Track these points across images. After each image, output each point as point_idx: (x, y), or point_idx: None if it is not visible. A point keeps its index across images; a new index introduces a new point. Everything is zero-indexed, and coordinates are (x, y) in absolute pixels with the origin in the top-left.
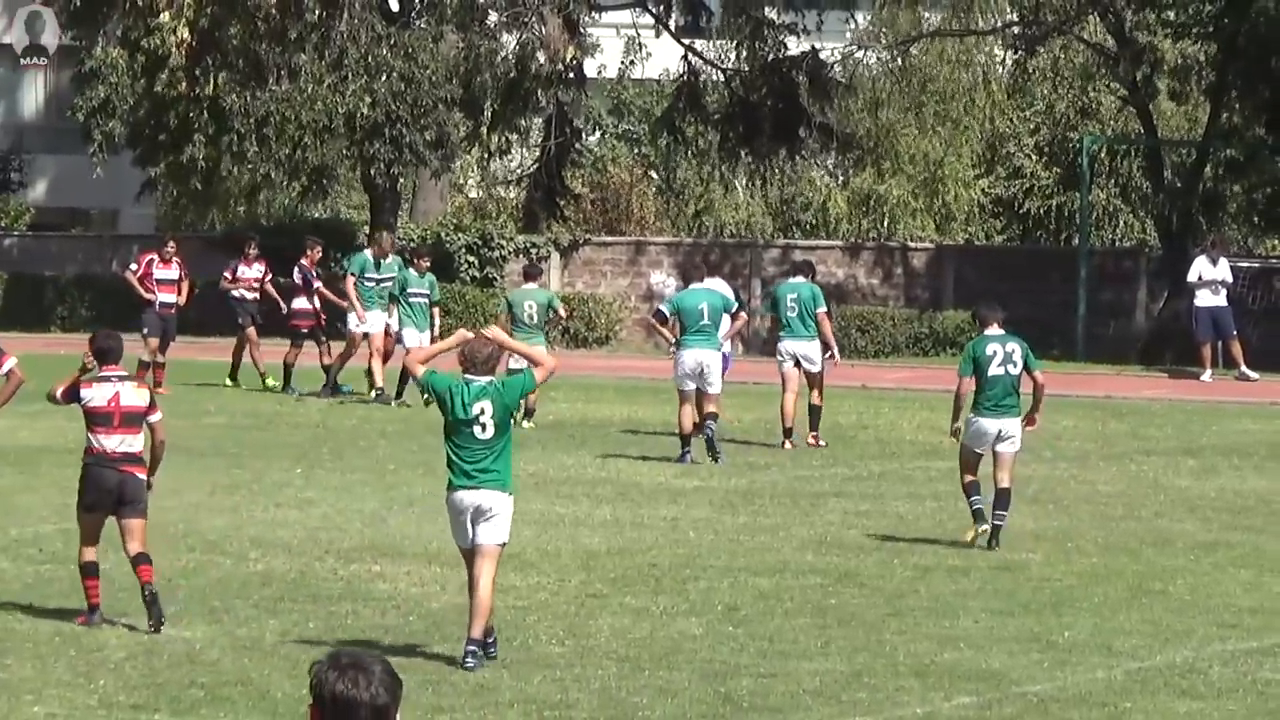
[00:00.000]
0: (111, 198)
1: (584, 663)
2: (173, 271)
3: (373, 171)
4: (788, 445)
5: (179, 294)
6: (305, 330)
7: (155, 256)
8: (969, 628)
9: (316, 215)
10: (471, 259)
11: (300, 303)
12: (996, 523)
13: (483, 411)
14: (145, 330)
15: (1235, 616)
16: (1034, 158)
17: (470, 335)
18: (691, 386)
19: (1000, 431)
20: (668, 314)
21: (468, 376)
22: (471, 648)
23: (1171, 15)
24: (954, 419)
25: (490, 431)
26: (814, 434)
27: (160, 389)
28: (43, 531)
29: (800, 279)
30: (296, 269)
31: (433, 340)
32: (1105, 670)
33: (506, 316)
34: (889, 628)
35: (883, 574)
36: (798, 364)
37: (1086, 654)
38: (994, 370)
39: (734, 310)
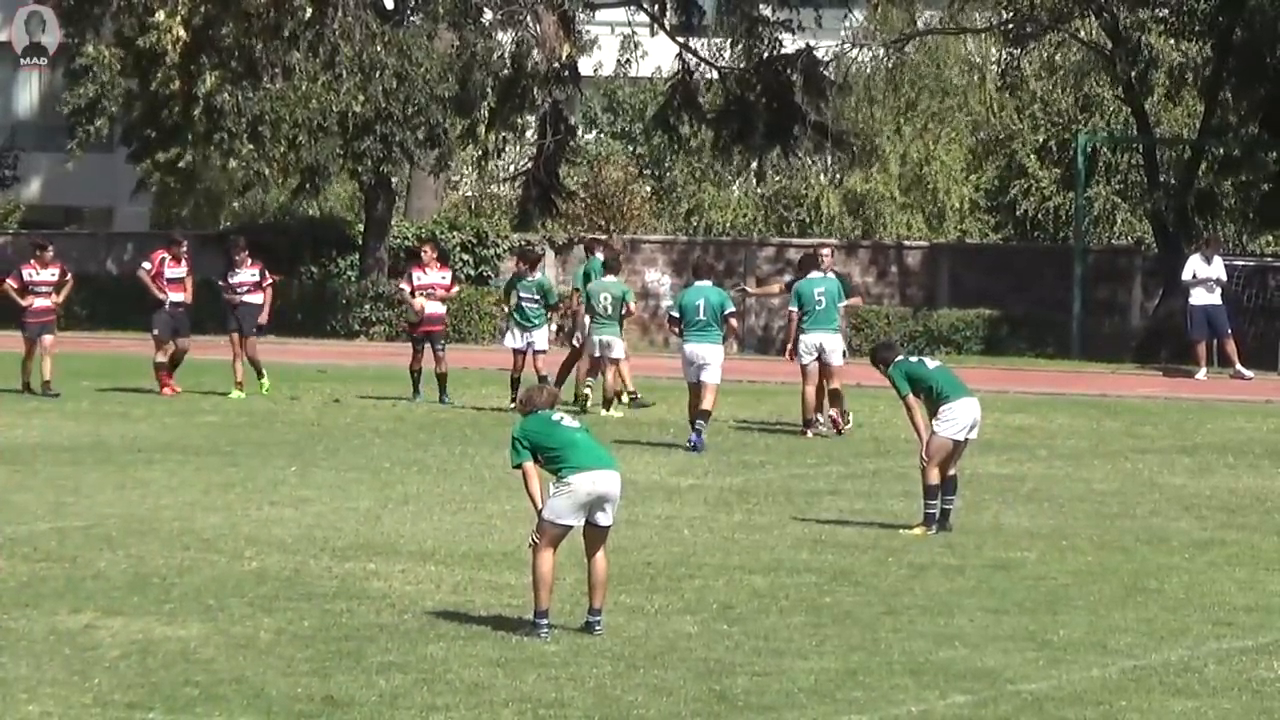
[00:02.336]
0: (106, 195)
1: (579, 661)
2: (180, 270)
3: (360, 169)
4: (809, 434)
5: (185, 291)
6: (420, 335)
7: (166, 255)
8: (964, 626)
9: (312, 213)
10: (466, 257)
11: (433, 307)
12: (948, 508)
13: (561, 417)
14: (155, 331)
15: (1230, 615)
16: (1032, 156)
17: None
18: (694, 377)
19: (974, 420)
20: (677, 315)
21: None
22: (596, 617)
23: (1166, 13)
24: (919, 436)
25: (575, 421)
26: (839, 412)
27: (165, 390)
28: (37, 530)
29: (818, 274)
30: (410, 275)
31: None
32: (1100, 668)
33: (584, 307)
34: (884, 626)
35: (878, 572)
36: (820, 356)
37: (1081, 652)
38: (933, 365)
39: (729, 312)
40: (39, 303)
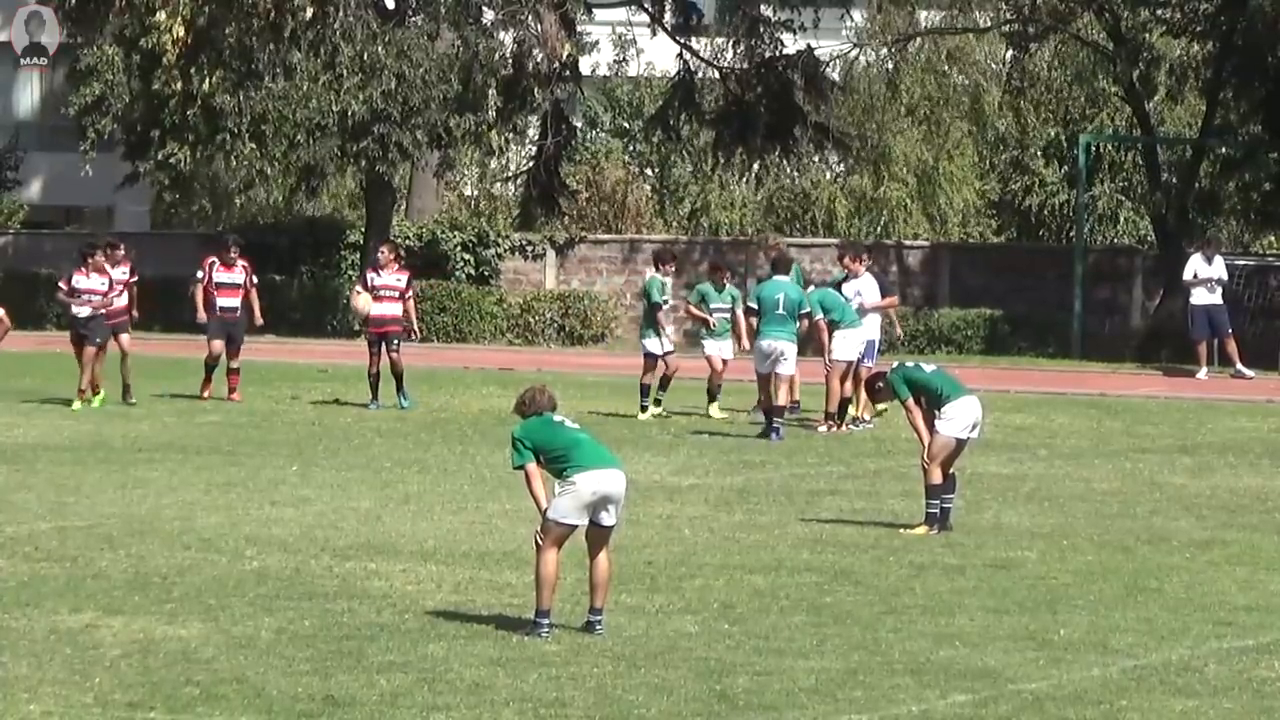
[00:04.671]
0: (106, 195)
1: (580, 660)
2: (235, 275)
3: (356, 169)
4: (844, 428)
5: (240, 296)
6: (374, 336)
7: (216, 260)
8: (964, 625)
9: (312, 213)
10: (467, 257)
11: (384, 309)
12: (947, 506)
13: (563, 419)
14: (208, 335)
15: (1231, 614)
16: (1039, 155)
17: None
18: (769, 369)
19: (976, 419)
20: (754, 307)
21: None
22: (598, 616)
23: (1168, 13)
24: (921, 440)
25: (577, 424)
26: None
27: (234, 395)
28: (38, 529)
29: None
30: (365, 275)
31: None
32: (1101, 668)
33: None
34: (884, 625)
35: (878, 572)
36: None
37: (1082, 652)
38: (930, 369)
39: (805, 311)
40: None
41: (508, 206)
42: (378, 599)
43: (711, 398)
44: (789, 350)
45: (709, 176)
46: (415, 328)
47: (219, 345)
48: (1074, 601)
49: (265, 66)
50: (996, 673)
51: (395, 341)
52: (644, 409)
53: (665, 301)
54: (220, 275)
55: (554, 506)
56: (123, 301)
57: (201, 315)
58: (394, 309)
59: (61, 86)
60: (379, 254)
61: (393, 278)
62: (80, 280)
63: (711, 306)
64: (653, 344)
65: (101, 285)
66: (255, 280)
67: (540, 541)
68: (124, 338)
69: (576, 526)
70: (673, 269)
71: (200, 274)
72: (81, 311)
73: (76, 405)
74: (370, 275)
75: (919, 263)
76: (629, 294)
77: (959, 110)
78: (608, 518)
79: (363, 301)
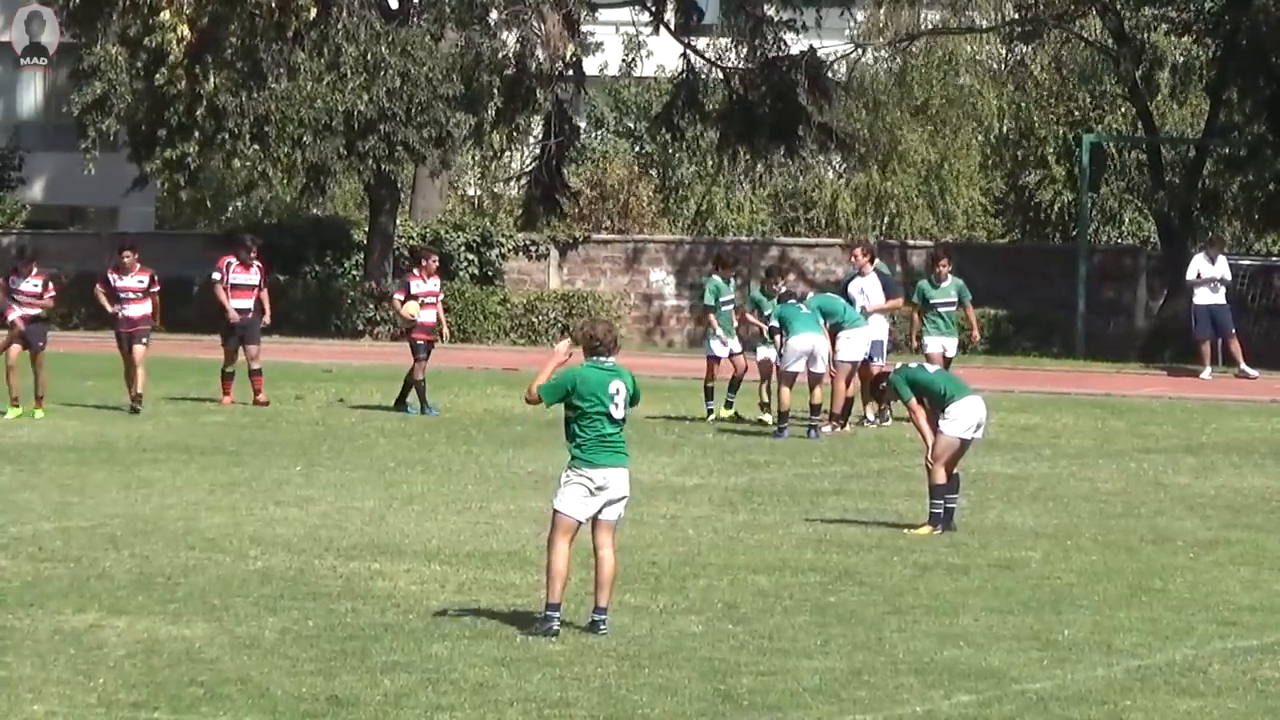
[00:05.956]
0: (110, 195)
1: (583, 661)
2: (251, 276)
3: (363, 169)
4: (848, 428)
5: (254, 297)
6: (423, 343)
7: (234, 260)
8: (968, 625)
9: (317, 213)
10: (471, 257)
11: (430, 315)
12: (951, 507)
13: (618, 391)
14: (225, 342)
15: (1235, 614)
16: (1051, 154)
17: (564, 352)
18: (800, 367)
19: (979, 419)
20: (777, 325)
21: (596, 359)
22: (602, 616)
23: (1172, 13)
24: (924, 439)
25: (622, 412)
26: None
27: (226, 399)
28: (42, 530)
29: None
30: (408, 283)
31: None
32: (1105, 668)
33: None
34: (888, 625)
35: (882, 572)
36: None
37: (1086, 652)
38: (934, 369)
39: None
40: (126, 310)
41: (511, 207)
42: (382, 599)
43: (762, 402)
44: (822, 347)
45: (713, 177)
46: (446, 331)
47: (232, 352)
48: (1078, 601)
49: (269, 66)
50: (1001, 673)
51: (429, 351)
52: (709, 412)
53: (729, 303)
54: (237, 276)
55: (559, 499)
56: (144, 310)
57: (233, 314)
58: (433, 315)
59: (65, 86)
60: (429, 261)
61: (434, 283)
62: (16, 283)
63: (765, 314)
64: (715, 346)
65: (35, 288)
66: (267, 281)
67: (556, 511)
68: (138, 349)
69: (582, 523)
70: (733, 273)
71: (217, 275)
72: (29, 314)
73: (11, 413)
74: (415, 282)
75: (923, 262)
76: (633, 294)
77: (963, 109)
78: (611, 514)
79: (412, 309)
